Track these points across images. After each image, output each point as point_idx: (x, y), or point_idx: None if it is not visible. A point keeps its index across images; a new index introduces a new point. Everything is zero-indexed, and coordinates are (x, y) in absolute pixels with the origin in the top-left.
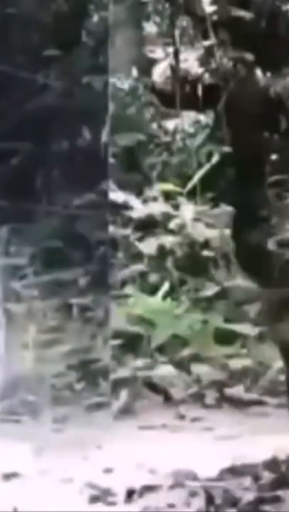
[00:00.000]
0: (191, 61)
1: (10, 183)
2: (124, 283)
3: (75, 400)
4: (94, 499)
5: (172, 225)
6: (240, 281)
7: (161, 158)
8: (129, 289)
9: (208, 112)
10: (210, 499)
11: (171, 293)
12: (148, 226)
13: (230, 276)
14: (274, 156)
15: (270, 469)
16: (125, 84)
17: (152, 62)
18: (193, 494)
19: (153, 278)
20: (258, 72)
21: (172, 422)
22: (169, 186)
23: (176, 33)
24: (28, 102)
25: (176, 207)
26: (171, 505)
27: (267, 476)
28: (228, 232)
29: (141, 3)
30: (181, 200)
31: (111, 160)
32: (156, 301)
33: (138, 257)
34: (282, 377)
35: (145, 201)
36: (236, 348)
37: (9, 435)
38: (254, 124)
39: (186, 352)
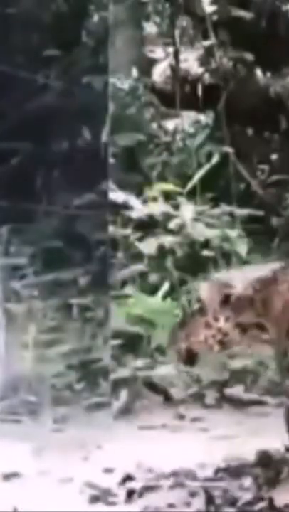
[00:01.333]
0: (191, 61)
1: (10, 183)
2: (124, 283)
3: (75, 400)
4: (94, 499)
5: (172, 225)
6: None
7: (161, 158)
8: (129, 289)
9: (208, 112)
10: (210, 499)
11: (171, 293)
12: (148, 226)
13: None
14: (274, 156)
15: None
16: (125, 84)
17: (152, 62)
18: (193, 494)
19: (153, 278)
20: (258, 72)
21: (172, 422)
22: (169, 186)
23: (176, 33)
24: (28, 102)
25: (176, 207)
26: (171, 505)
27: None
28: (228, 231)
29: (141, 3)
30: (181, 200)
31: (111, 160)
32: (156, 301)
33: (138, 257)
34: None
35: (145, 201)
36: (236, 348)
37: (9, 435)
38: (254, 124)
39: None
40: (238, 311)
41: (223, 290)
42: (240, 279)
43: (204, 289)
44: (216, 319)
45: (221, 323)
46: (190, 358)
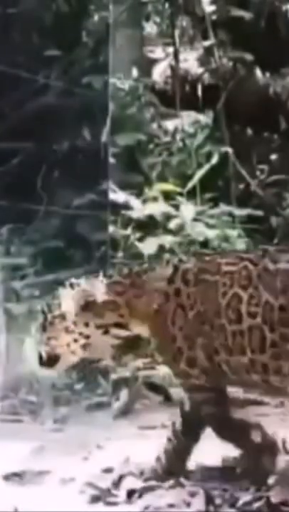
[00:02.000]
0: (190, 61)
1: (10, 183)
2: None
3: (75, 400)
4: (94, 499)
5: (172, 225)
6: None
7: (161, 158)
8: None
9: (207, 112)
10: (210, 499)
11: None
12: (148, 226)
13: None
14: (273, 156)
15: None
16: (125, 84)
17: (152, 62)
18: (193, 494)
19: None
20: (258, 72)
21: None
22: (169, 186)
23: (176, 33)
24: (28, 102)
25: (176, 207)
26: (171, 505)
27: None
28: (227, 231)
29: (141, 3)
30: (181, 200)
31: (111, 160)
32: None
33: (138, 257)
34: None
35: (145, 201)
36: None
37: (9, 435)
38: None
39: None
40: (101, 315)
41: (84, 298)
42: (100, 286)
43: (64, 297)
44: (76, 324)
45: (81, 327)
46: (51, 360)
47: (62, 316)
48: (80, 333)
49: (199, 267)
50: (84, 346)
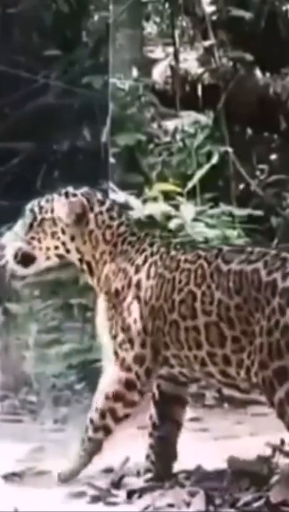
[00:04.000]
0: (190, 61)
1: (10, 182)
2: None
3: (75, 400)
4: (94, 499)
5: (172, 225)
6: None
7: (161, 158)
8: None
9: (207, 112)
10: (210, 499)
11: None
12: (148, 226)
13: None
14: (273, 156)
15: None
16: (125, 84)
17: (152, 62)
18: (193, 494)
19: None
20: (258, 72)
21: None
22: (169, 186)
23: (176, 33)
24: (28, 102)
25: (176, 207)
26: (171, 505)
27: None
28: (227, 231)
29: (141, 3)
30: (181, 200)
31: (111, 160)
32: None
33: None
34: None
35: (145, 201)
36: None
37: (9, 435)
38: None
39: None
40: (84, 241)
41: (78, 210)
42: (97, 211)
43: (58, 203)
44: (64, 233)
45: (67, 238)
46: (26, 260)
47: (54, 221)
48: (64, 243)
49: (162, 262)
50: (60, 257)
